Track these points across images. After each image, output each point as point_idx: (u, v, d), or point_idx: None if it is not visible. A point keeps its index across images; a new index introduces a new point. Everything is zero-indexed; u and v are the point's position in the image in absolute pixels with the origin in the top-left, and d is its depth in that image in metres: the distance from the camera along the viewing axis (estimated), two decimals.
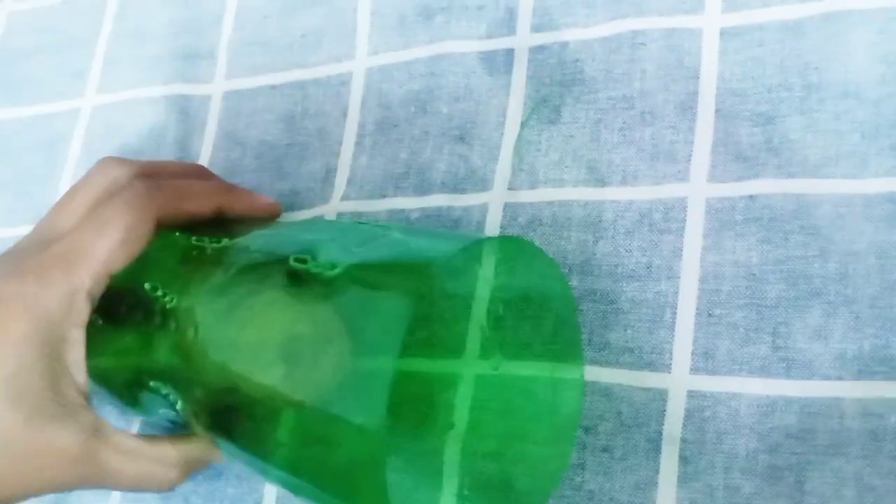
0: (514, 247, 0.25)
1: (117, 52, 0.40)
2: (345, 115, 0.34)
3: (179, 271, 0.26)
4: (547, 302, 0.26)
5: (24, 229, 0.38)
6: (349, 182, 0.33)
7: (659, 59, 0.30)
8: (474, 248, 0.23)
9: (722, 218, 0.27)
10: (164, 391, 0.26)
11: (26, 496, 0.25)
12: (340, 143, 0.34)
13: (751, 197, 0.27)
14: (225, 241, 0.26)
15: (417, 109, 0.33)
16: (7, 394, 0.23)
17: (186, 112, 0.37)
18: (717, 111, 0.28)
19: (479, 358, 0.27)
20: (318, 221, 0.28)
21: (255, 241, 0.26)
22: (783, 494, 0.25)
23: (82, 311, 0.25)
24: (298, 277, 0.23)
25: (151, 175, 0.28)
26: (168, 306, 0.25)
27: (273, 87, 0.36)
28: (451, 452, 0.25)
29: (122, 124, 0.38)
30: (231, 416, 0.25)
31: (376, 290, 0.22)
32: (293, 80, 0.36)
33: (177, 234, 0.27)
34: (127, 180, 0.27)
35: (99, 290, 0.26)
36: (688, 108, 0.29)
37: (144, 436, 0.26)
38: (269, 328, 0.23)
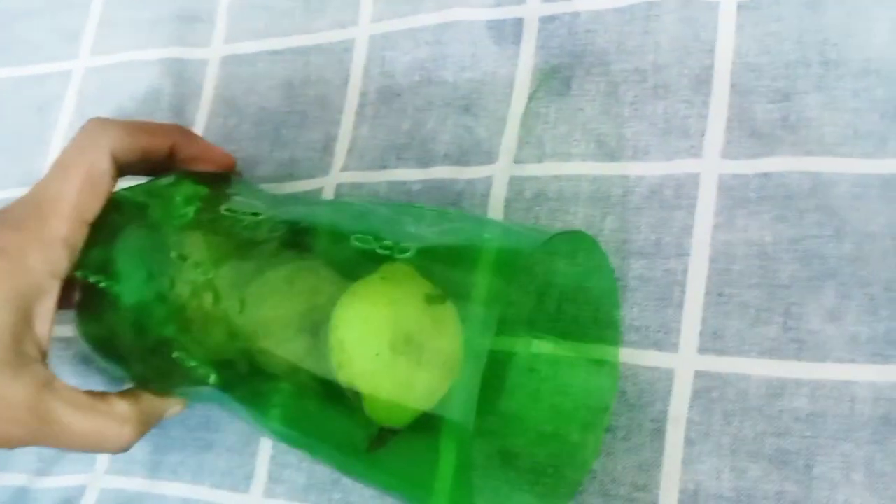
0: (577, 240, 0.25)
1: (113, 14, 0.38)
2: (346, 82, 0.33)
3: (212, 241, 0.25)
4: (595, 293, 0.26)
5: (15, 192, 0.37)
6: (349, 152, 0.32)
7: (674, 31, 0.29)
8: (552, 240, 0.23)
9: (735, 195, 0.27)
10: (189, 362, 0.25)
11: None
12: (341, 112, 0.33)
13: (765, 174, 0.26)
14: (262, 215, 0.25)
15: (422, 79, 0.32)
16: None
17: (182, 76, 0.36)
18: (732, 86, 0.27)
19: (526, 345, 0.26)
20: (354, 202, 0.28)
21: (295, 215, 0.25)
22: (791, 479, 0.24)
23: (59, 260, 0.25)
24: (359, 256, 0.23)
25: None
26: (202, 277, 0.25)
27: (274, 52, 0.35)
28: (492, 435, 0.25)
29: (116, 87, 0.37)
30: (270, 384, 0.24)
31: (463, 272, 0.21)
32: (295, 46, 0.35)
33: (200, 197, 0.27)
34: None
35: (77, 237, 0.25)
36: (702, 82, 0.28)
37: (96, 392, 0.26)
38: (350, 305, 0.22)
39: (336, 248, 0.24)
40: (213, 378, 0.25)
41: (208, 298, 0.25)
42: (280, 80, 0.34)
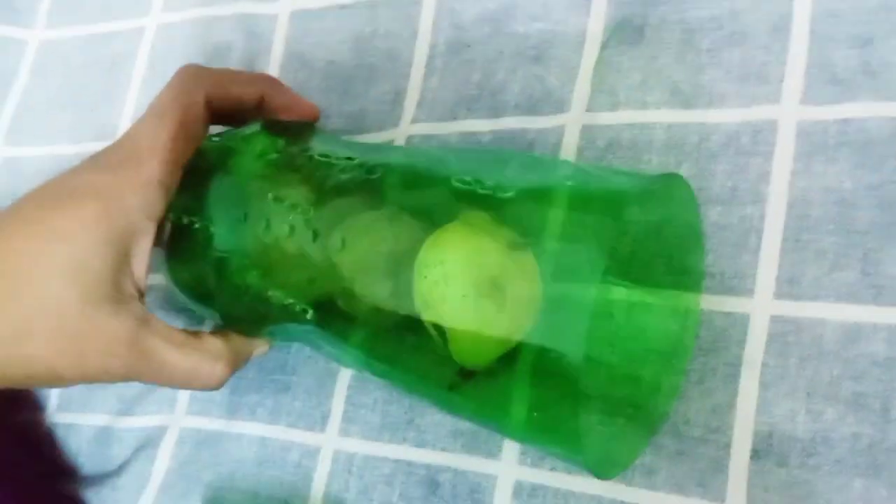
0: (672, 184, 0.25)
1: None
2: (415, 35, 0.34)
3: (309, 183, 0.26)
4: (678, 239, 0.26)
5: (89, 146, 0.38)
6: (419, 104, 0.33)
7: None
8: (659, 182, 0.23)
9: (814, 141, 0.26)
10: (285, 300, 0.26)
11: (81, 380, 0.25)
12: (410, 65, 0.33)
13: (845, 120, 0.26)
14: (356, 159, 0.26)
15: (492, 30, 0.32)
16: (69, 273, 0.24)
17: (253, 31, 0.37)
18: (811, 32, 0.27)
19: (604, 290, 0.27)
20: (445, 149, 0.28)
21: (388, 159, 0.26)
22: (867, 421, 0.24)
23: (155, 202, 0.26)
24: (462, 197, 0.23)
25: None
26: (300, 217, 0.25)
27: (342, 6, 0.35)
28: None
29: (188, 43, 0.38)
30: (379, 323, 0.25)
31: (575, 213, 0.22)
32: (363, 0, 0.35)
33: (288, 145, 0.27)
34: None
35: (172, 179, 0.26)
36: (780, 28, 0.28)
37: (190, 330, 0.27)
38: (441, 247, 0.23)
39: (431, 191, 0.24)
40: (310, 314, 0.26)
41: (306, 238, 0.25)
42: (349, 34, 0.35)
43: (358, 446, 0.30)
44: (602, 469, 0.24)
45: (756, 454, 0.25)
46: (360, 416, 0.30)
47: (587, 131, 0.30)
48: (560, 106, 0.30)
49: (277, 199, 0.26)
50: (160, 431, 0.33)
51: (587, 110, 0.30)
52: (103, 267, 0.24)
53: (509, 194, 0.23)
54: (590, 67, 0.30)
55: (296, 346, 0.32)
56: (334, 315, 0.26)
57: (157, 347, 0.25)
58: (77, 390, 0.35)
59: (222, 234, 0.27)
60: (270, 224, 0.26)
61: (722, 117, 0.28)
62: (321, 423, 0.31)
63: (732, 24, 0.28)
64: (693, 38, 0.29)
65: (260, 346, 0.28)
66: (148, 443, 0.33)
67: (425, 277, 0.23)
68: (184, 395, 0.33)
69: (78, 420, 0.35)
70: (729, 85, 0.28)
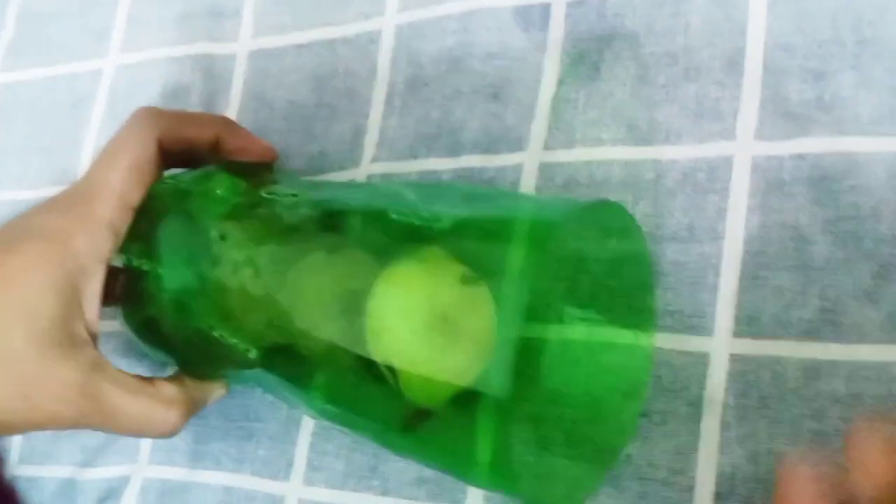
0: (612, 214, 0.25)
1: (140, 11, 0.39)
2: (374, 74, 0.33)
3: (253, 222, 0.26)
4: (631, 276, 0.26)
5: (49, 191, 0.37)
6: (379, 144, 0.33)
7: (704, 12, 0.28)
8: (589, 209, 0.23)
9: (769, 177, 0.26)
10: (230, 339, 0.26)
11: (30, 427, 0.25)
12: (370, 104, 0.33)
13: (800, 156, 0.26)
14: (301, 196, 0.26)
15: (450, 67, 0.32)
16: (17, 317, 0.24)
17: (211, 72, 0.36)
18: (765, 67, 0.27)
19: (560, 331, 0.27)
20: (390, 184, 0.29)
21: (333, 195, 0.26)
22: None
23: (104, 244, 0.25)
24: (396, 237, 0.23)
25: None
26: (243, 256, 0.25)
27: (300, 46, 0.35)
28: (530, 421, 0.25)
29: (147, 84, 0.37)
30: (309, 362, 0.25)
31: (497, 244, 0.22)
32: (321, 39, 0.35)
33: (244, 186, 0.27)
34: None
35: (121, 221, 0.26)
36: (734, 63, 0.28)
37: (144, 377, 0.26)
38: (392, 284, 0.23)
39: (374, 225, 0.24)
40: (253, 353, 0.26)
41: (249, 277, 0.25)
42: (308, 74, 0.35)
43: (322, 495, 0.29)
44: None
45: (719, 496, 0.25)
46: (325, 463, 0.30)
47: (545, 169, 0.29)
48: (518, 143, 0.30)
49: (222, 238, 0.26)
50: (123, 482, 0.33)
51: (545, 148, 0.30)
52: (52, 310, 0.24)
53: (443, 224, 0.23)
54: (547, 104, 0.30)
55: (259, 391, 0.32)
56: (282, 357, 0.25)
57: (108, 393, 0.25)
58: (39, 442, 0.35)
59: (170, 274, 0.27)
60: (215, 263, 0.26)
61: (678, 154, 0.28)
62: (285, 470, 0.30)
63: (687, 60, 0.28)
64: (648, 74, 0.29)
65: (216, 391, 0.28)
66: (111, 494, 0.33)
67: (375, 315, 0.23)
68: (146, 444, 0.33)
69: (40, 473, 0.34)
70: (684, 121, 0.28)
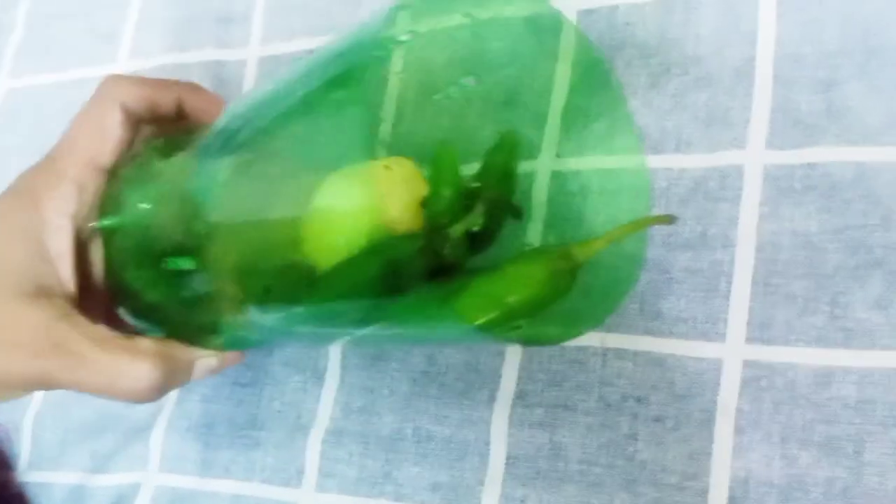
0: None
1: (149, 15, 0.39)
2: (385, 81, 0.34)
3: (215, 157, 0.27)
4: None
5: None
6: (389, 150, 0.33)
7: (714, 22, 0.29)
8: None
9: (780, 185, 0.27)
10: (210, 280, 0.26)
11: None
12: (380, 110, 0.33)
13: (810, 164, 0.27)
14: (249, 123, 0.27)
15: (461, 75, 0.32)
16: None
17: (221, 78, 0.37)
18: (774, 76, 0.28)
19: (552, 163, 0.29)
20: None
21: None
22: (841, 465, 0.24)
23: (68, 198, 0.26)
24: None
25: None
26: (208, 193, 0.26)
27: (310, 52, 0.35)
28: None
29: None
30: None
31: None
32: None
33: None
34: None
35: (87, 178, 0.26)
36: (744, 73, 0.28)
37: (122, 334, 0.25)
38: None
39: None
40: (233, 288, 0.25)
41: (214, 211, 0.25)
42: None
43: (335, 501, 0.30)
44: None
45: (733, 500, 0.25)
46: (337, 469, 0.30)
47: (557, 177, 0.30)
48: (530, 152, 0.30)
49: (185, 174, 0.26)
50: (133, 489, 0.33)
51: (557, 156, 0.30)
52: (18, 260, 0.25)
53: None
54: (558, 113, 0.30)
55: (265, 399, 0.32)
56: (270, 287, 0.26)
57: (73, 340, 0.24)
58: (48, 448, 0.35)
59: (152, 229, 0.27)
60: (182, 203, 0.26)
61: (689, 162, 0.28)
62: (297, 478, 0.30)
63: (697, 69, 0.29)
64: (658, 83, 0.29)
65: (206, 358, 0.26)
66: (121, 501, 0.33)
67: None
68: (156, 451, 0.33)
69: (50, 479, 0.34)
70: (695, 130, 0.28)
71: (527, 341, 0.25)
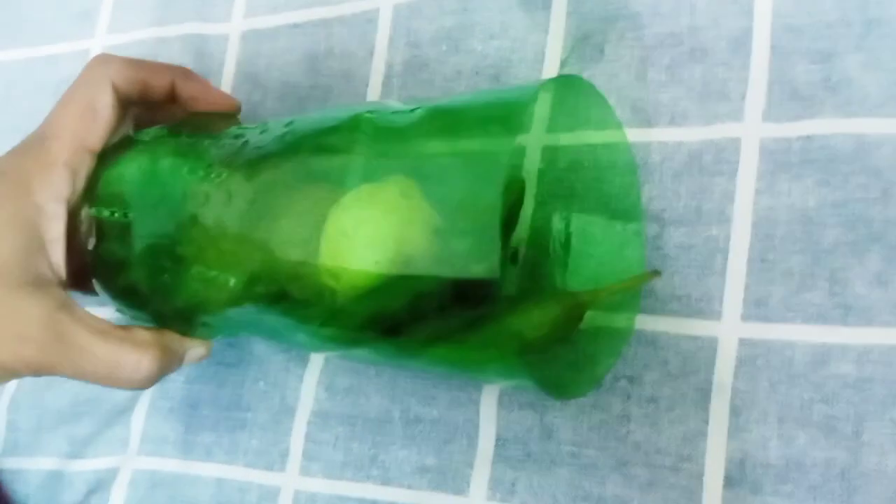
0: (577, 90, 0.26)
1: None
2: (371, 54, 0.33)
3: (227, 158, 0.26)
4: (619, 171, 0.27)
5: None
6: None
7: None
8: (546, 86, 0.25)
9: (777, 159, 0.26)
10: (209, 273, 0.25)
11: None
12: (367, 85, 0.32)
13: (808, 137, 0.26)
14: (270, 125, 0.26)
15: (449, 48, 0.31)
16: None
17: (203, 52, 0.35)
18: (772, 48, 0.27)
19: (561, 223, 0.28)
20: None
21: (297, 124, 0.26)
22: (840, 445, 0.24)
23: (61, 183, 0.25)
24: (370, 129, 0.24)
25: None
26: (217, 182, 0.25)
27: (295, 25, 0.34)
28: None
29: None
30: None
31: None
32: (316, 19, 0.34)
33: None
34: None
35: (78, 162, 0.26)
36: (741, 44, 0.27)
37: (116, 324, 0.25)
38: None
39: (344, 131, 0.25)
40: (233, 282, 0.25)
41: (220, 208, 0.25)
42: (302, 54, 0.34)
43: (320, 486, 0.29)
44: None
45: (729, 482, 0.24)
46: (322, 453, 0.29)
47: (548, 151, 0.29)
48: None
49: (192, 171, 0.26)
50: (112, 474, 0.32)
51: (547, 130, 0.29)
52: (13, 249, 0.24)
53: (419, 110, 0.24)
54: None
55: (250, 379, 0.31)
56: (263, 285, 0.25)
57: (75, 332, 0.24)
58: (23, 434, 0.34)
59: (144, 218, 0.26)
60: (186, 199, 0.25)
61: (684, 136, 0.27)
62: (280, 461, 0.30)
63: (692, 41, 0.28)
64: (652, 55, 0.28)
65: (196, 348, 0.27)
66: (99, 486, 0.32)
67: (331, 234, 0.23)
68: (136, 434, 0.32)
69: (25, 465, 0.33)
70: (690, 103, 0.27)
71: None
